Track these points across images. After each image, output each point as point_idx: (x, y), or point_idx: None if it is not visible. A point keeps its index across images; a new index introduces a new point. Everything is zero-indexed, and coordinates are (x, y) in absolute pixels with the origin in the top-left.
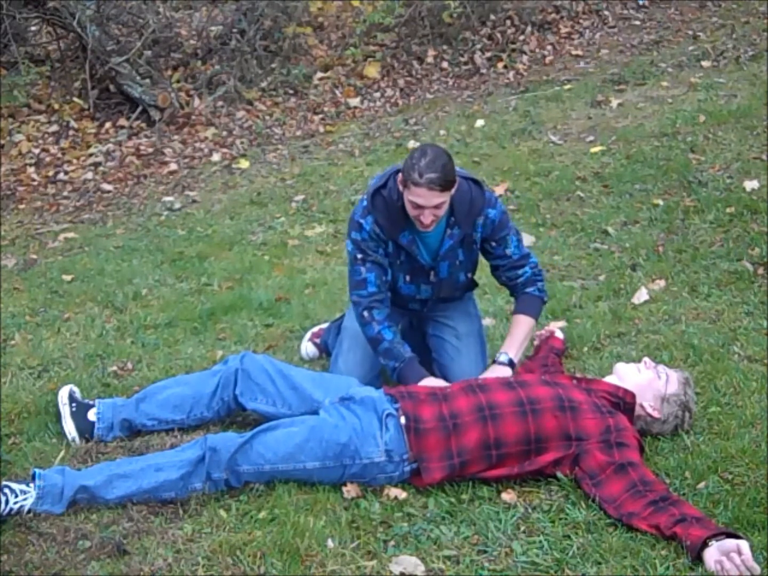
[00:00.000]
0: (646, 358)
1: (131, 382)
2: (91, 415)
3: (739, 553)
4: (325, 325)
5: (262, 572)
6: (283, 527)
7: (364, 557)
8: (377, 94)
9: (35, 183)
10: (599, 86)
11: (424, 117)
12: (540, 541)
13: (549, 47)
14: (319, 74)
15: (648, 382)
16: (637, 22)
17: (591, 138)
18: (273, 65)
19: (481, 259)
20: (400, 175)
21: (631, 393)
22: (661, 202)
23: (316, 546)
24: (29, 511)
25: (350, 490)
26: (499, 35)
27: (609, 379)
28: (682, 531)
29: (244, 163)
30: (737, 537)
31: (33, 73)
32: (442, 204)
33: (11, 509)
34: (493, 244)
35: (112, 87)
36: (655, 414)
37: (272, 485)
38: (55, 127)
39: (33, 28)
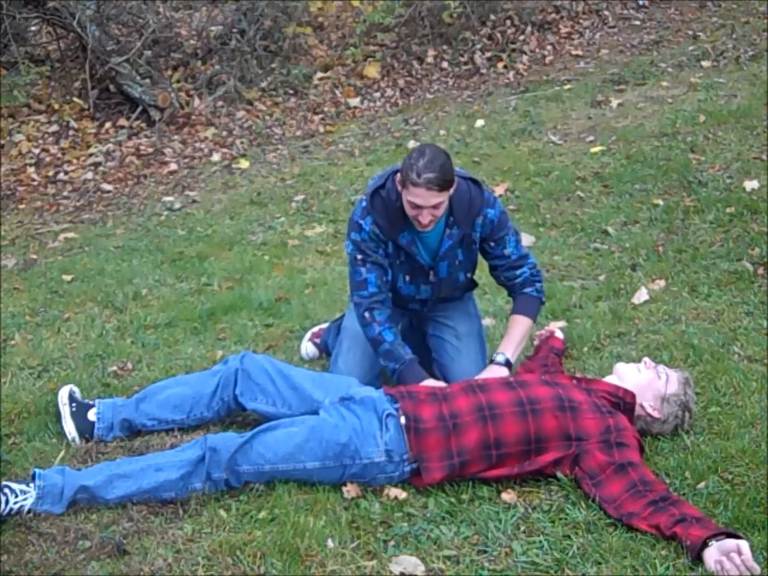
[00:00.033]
0: (646, 358)
1: (131, 382)
2: (91, 415)
3: (739, 553)
4: (325, 325)
5: (262, 572)
6: (283, 527)
7: (364, 557)
8: (377, 94)
9: (35, 183)
10: (599, 86)
11: (424, 117)
12: (540, 541)
13: (549, 47)
14: (319, 74)
15: (648, 382)
16: (637, 22)
17: (591, 138)
18: (273, 65)
19: (481, 259)
20: (398, 175)
21: (631, 393)
22: (661, 202)
23: (316, 546)
24: (29, 511)
25: (350, 490)
26: (499, 35)
27: (609, 379)
28: (682, 531)
29: (244, 163)
30: (737, 537)
31: (33, 73)
32: (441, 204)
33: (11, 509)
34: (492, 244)
35: (112, 87)
36: (655, 414)
37: (272, 485)
38: (55, 127)
39: (33, 28)
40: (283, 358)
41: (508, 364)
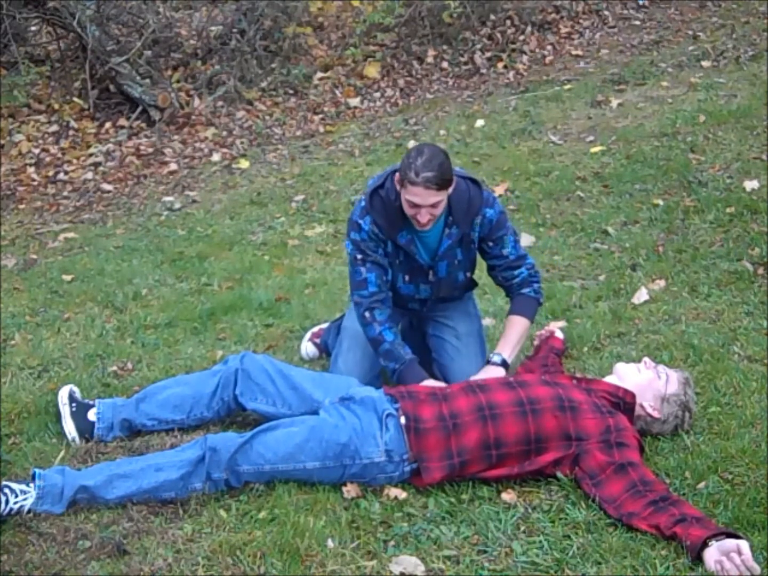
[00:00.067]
0: (646, 358)
1: (131, 382)
2: (91, 415)
3: (739, 553)
4: (325, 325)
5: (262, 572)
6: (283, 527)
7: (364, 557)
8: (377, 94)
9: (35, 183)
10: (599, 86)
11: (424, 117)
12: (540, 541)
13: (549, 47)
14: (319, 74)
15: (648, 382)
16: (637, 22)
17: (591, 138)
18: (273, 65)
19: (480, 259)
20: (397, 174)
21: (631, 393)
22: (661, 202)
23: (316, 546)
24: (29, 511)
25: (350, 490)
26: (499, 35)
27: (609, 379)
28: (682, 531)
29: (244, 163)
30: (737, 537)
31: (33, 73)
32: (439, 203)
33: (11, 509)
34: (490, 243)
35: (112, 87)
36: (655, 414)
37: (272, 485)
38: (55, 127)
39: (33, 28)
40: (283, 358)
41: (504, 364)
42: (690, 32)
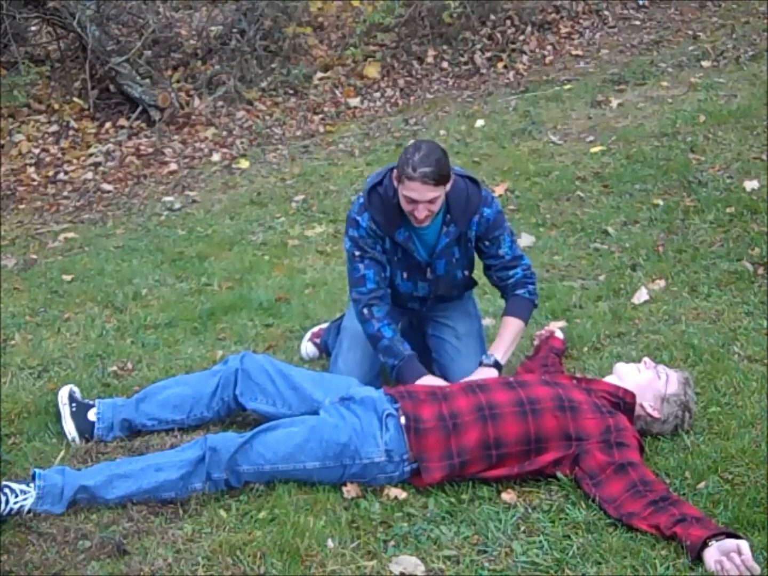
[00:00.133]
0: (646, 358)
1: (131, 382)
2: (91, 415)
3: (739, 553)
4: (325, 325)
5: (262, 572)
6: (283, 527)
7: (364, 557)
8: (377, 94)
9: (35, 183)
10: (599, 86)
11: (424, 117)
12: (540, 541)
13: (549, 47)
14: (319, 74)
15: (648, 382)
16: (637, 22)
17: (591, 138)
18: (273, 65)
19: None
20: (395, 171)
21: (631, 393)
22: (661, 202)
23: (316, 546)
24: (29, 511)
25: (350, 490)
26: (499, 35)
27: (609, 379)
28: (682, 531)
29: (244, 163)
30: (737, 537)
31: (33, 73)
32: (436, 199)
33: (11, 509)
34: (487, 243)
35: (112, 87)
36: (655, 414)
37: (272, 485)
38: (55, 127)
39: (33, 28)
40: (283, 358)
41: (497, 365)
42: (690, 32)
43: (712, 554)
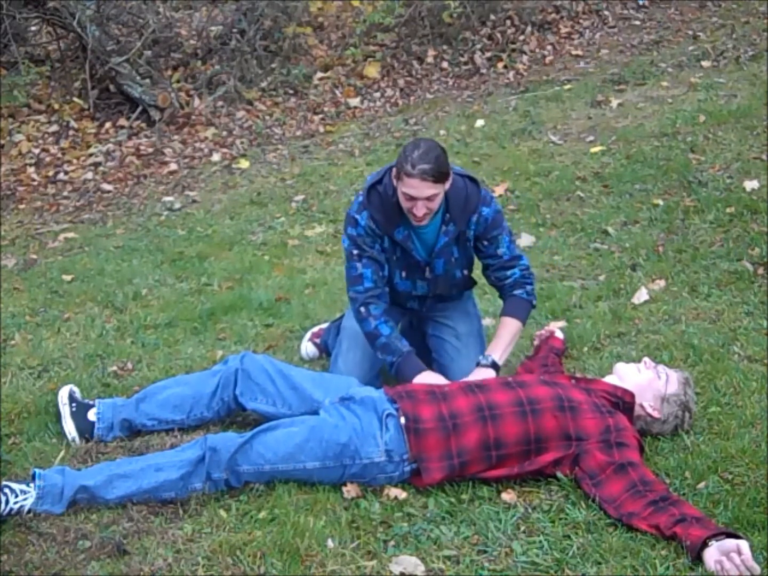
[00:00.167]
0: (646, 358)
1: (131, 382)
2: (91, 415)
3: (739, 553)
4: (325, 325)
5: (262, 572)
6: (283, 527)
7: (364, 557)
8: (377, 94)
9: (35, 183)
10: (599, 86)
11: (424, 117)
12: (540, 541)
13: (549, 47)
14: (319, 74)
15: (648, 382)
16: (637, 22)
17: (591, 138)
18: (273, 65)
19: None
20: (394, 169)
21: (630, 393)
22: (661, 202)
23: (316, 546)
24: (29, 511)
25: (350, 490)
26: (499, 35)
27: (608, 379)
28: (682, 531)
29: (244, 163)
30: (737, 537)
31: (33, 73)
32: (435, 196)
33: (11, 509)
34: (485, 242)
35: (112, 87)
36: (655, 414)
37: (272, 485)
38: (55, 127)
39: (33, 28)
40: (283, 358)
41: (494, 366)
42: (690, 32)
43: (712, 554)
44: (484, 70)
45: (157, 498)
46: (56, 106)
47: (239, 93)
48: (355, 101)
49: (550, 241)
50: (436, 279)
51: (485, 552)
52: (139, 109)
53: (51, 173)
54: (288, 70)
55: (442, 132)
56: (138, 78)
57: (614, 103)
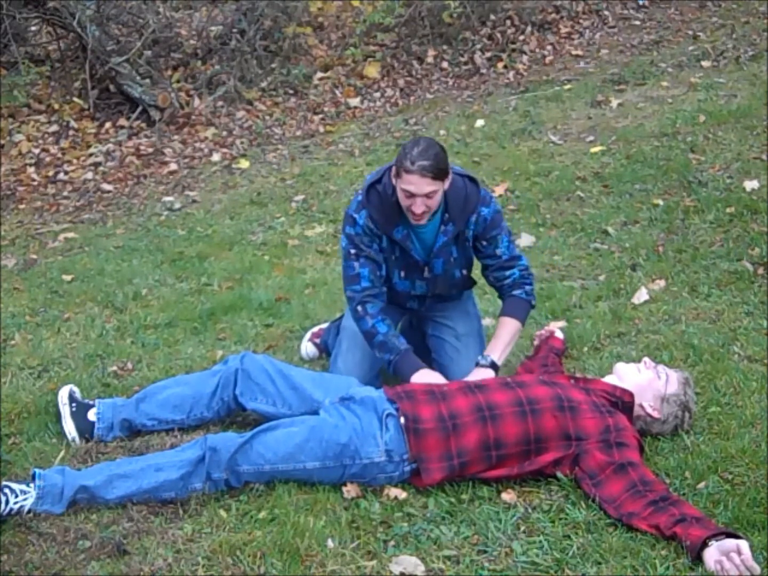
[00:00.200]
0: (646, 358)
1: (131, 382)
2: (91, 415)
3: (739, 553)
4: (325, 325)
5: (262, 572)
6: (283, 527)
7: (364, 557)
8: (377, 94)
9: (35, 183)
10: (599, 86)
11: (424, 117)
12: (540, 541)
13: (549, 47)
14: (319, 74)
15: (648, 382)
16: (637, 22)
17: (591, 138)
18: (273, 65)
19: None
20: (393, 167)
21: (629, 392)
22: (661, 202)
23: (316, 546)
24: (29, 511)
25: (350, 490)
26: (499, 35)
27: (608, 378)
28: (682, 531)
29: (244, 163)
30: (737, 537)
31: (33, 73)
32: (434, 193)
33: (11, 509)
34: (484, 243)
35: (112, 87)
36: (655, 414)
37: (272, 485)
38: (55, 127)
39: (33, 28)
40: (283, 358)
41: (493, 366)
42: (690, 32)
43: (711, 554)
44: (484, 70)
45: (157, 498)
46: (56, 106)
47: (239, 93)
48: (355, 101)
49: (550, 241)
50: (434, 279)
51: (485, 552)
52: (139, 109)
53: (51, 173)
54: (288, 70)
55: (442, 132)
56: (138, 78)
57: (614, 103)
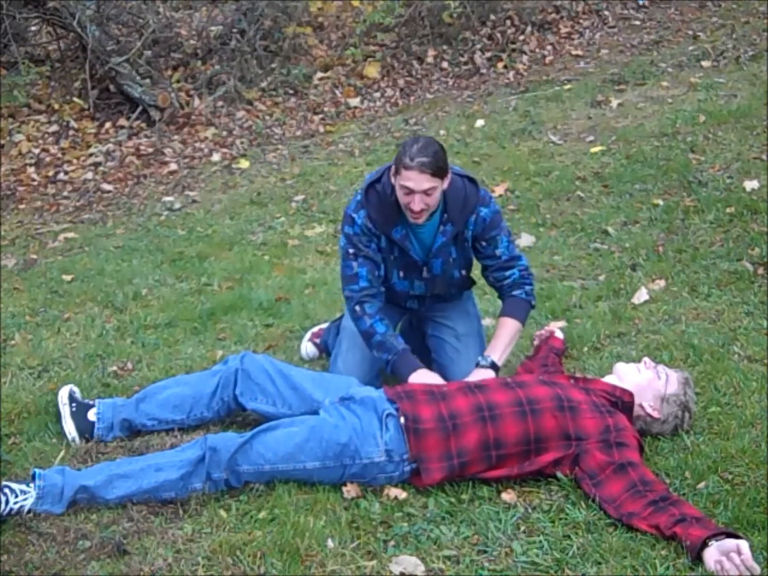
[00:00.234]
0: (646, 358)
1: (131, 382)
2: (91, 415)
3: (739, 553)
4: (325, 325)
5: (262, 572)
6: (283, 527)
7: (364, 557)
8: (377, 94)
9: (35, 183)
10: (599, 86)
11: (424, 117)
12: (540, 541)
13: (549, 47)
14: (319, 74)
15: (648, 382)
16: (637, 22)
17: (591, 138)
18: (273, 65)
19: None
20: (392, 166)
21: (629, 392)
22: (661, 202)
23: (316, 546)
24: (29, 511)
25: (350, 490)
26: (499, 35)
27: (608, 378)
28: (681, 531)
29: (244, 163)
30: (737, 537)
31: (33, 73)
32: (433, 190)
33: (11, 509)
34: (483, 243)
35: (112, 87)
36: (655, 414)
37: (272, 485)
38: (55, 127)
39: (33, 28)
40: (283, 358)
41: (493, 366)
42: (690, 32)
43: (711, 554)
44: (484, 70)
45: (157, 498)
46: (56, 106)
47: (239, 93)
48: (355, 101)
49: (550, 241)
50: (433, 279)
51: (485, 552)
52: (139, 109)
53: (51, 173)
54: (288, 70)
55: (442, 132)
56: (138, 78)
57: (614, 103)
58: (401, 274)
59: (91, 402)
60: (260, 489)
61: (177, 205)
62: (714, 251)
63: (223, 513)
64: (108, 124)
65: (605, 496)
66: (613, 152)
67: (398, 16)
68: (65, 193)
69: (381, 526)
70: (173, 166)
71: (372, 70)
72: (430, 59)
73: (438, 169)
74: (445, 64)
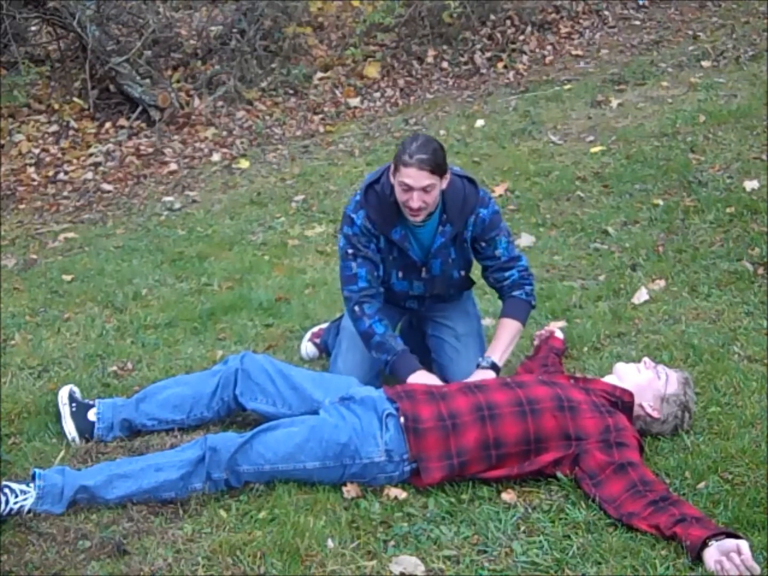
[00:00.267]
0: (646, 358)
1: (131, 382)
2: (91, 415)
3: (739, 553)
4: (325, 325)
5: (262, 572)
6: (283, 527)
7: (364, 557)
8: (377, 94)
9: (35, 183)
10: (599, 86)
11: (424, 117)
12: (540, 541)
13: (549, 47)
14: (319, 74)
15: (648, 382)
16: (637, 22)
17: (591, 138)
18: (273, 65)
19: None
20: (391, 165)
21: (629, 392)
22: (661, 202)
23: (316, 546)
24: (29, 511)
25: (350, 490)
26: (499, 35)
27: (608, 378)
28: (682, 531)
29: (244, 163)
30: (737, 537)
31: (33, 73)
32: (431, 187)
33: (11, 509)
34: (483, 244)
35: (112, 87)
36: (655, 414)
37: (272, 485)
38: (55, 127)
39: (33, 28)
40: (283, 358)
41: (494, 367)
42: (690, 32)
43: (711, 554)
44: (484, 70)
45: (157, 498)
46: (56, 106)
47: (239, 93)
48: (355, 101)
49: (550, 241)
50: (432, 279)
51: (485, 552)
52: (139, 109)
53: (51, 173)
54: (288, 70)
55: (442, 132)
56: (138, 78)
57: (614, 103)
58: (400, 274)
59: (91, 402)
60: (260, 489)
61: (177, 205)
62: (714, 251)
63: (223, 513)
64: (108, 124)
65: (605, 496)
66: (613, 152)
67: (398, 16)
68: (65, 193)
69: (381, 526)
70: (173, 166)
71: (372, 70)
72: (430, 59)
73: (437, 167)
74: (445, 64)
